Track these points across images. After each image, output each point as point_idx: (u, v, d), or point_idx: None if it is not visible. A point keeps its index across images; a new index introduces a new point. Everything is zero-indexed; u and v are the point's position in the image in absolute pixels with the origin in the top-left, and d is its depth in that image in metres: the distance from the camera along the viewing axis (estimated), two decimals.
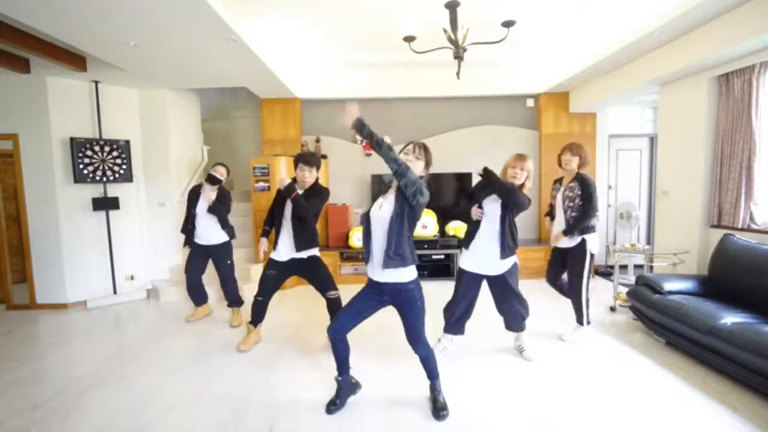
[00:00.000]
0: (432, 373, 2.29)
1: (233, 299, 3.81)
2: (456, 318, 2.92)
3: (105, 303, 4.49)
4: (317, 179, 3.07)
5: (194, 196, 3.69)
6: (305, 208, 2.86)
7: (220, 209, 3.64)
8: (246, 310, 3.66)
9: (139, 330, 3.73)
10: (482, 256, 2.74)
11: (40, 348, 3.35)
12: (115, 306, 4.47)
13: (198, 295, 3.89)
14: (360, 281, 4.87)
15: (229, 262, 3.79)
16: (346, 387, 2.36)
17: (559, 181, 3.29)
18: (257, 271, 4.67)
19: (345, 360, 2.30)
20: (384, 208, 2.10)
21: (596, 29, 3.90)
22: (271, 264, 3.08)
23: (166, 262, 4.97)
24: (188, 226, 3.68)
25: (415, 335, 2.19)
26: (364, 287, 2.26)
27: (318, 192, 3.01)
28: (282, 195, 2.96)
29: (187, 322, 3.80)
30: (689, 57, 3.35)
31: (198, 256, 3.75)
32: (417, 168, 2.13)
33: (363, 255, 2.20)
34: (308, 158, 2.98)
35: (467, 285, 2.83)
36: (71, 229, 4.38)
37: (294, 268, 3.09)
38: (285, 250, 3.04)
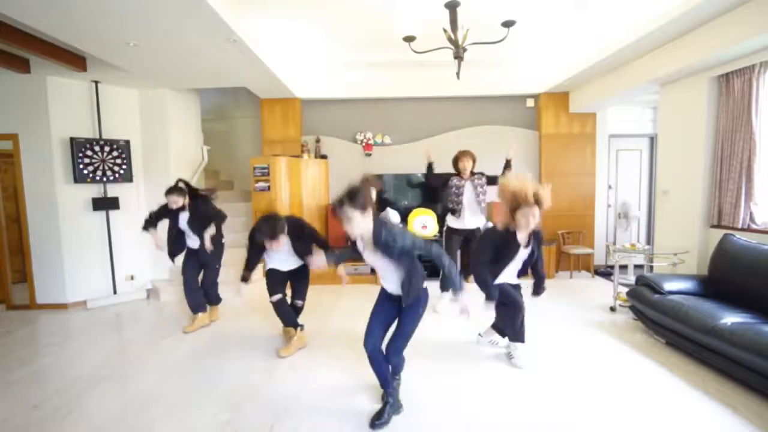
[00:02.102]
0: (389, 382, 2.22)
1: (214, 298, 3.87)
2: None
3: (105, 303, 4.49)
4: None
5: (170, 215, 3.58)
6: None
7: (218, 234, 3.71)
8: (221, 307, 3.96)
9: (139, 330, 3.73)
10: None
11: (40, 348, 3.34)
12: (115, 306, 4.47)
13: (197, 301, 3.68)
14: (360, 281, 4.91)
15: (217, 266, 3.77)
16: (393, 404, 2.23)
17: (449, 178, 3.98)
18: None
19: (388, 376, 2.22)
20: (378, 258, 2.06)
21: (596, 29, 3.90)
22: (272, 270, 3.18)
23: (166, 262, 4.86)
24: (175, 245, 3.65)
25: (402, 342, 2.20)
26: (380, 297, 2.27)
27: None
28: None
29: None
30: (689, 57, 3.35)
31: (193, 259, 3.70)
32: (363, 223, 1.93)
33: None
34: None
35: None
36: (71, 229, 4.38)
37: (291, 274, 3.22)
38: (285, 263, 3.16)
